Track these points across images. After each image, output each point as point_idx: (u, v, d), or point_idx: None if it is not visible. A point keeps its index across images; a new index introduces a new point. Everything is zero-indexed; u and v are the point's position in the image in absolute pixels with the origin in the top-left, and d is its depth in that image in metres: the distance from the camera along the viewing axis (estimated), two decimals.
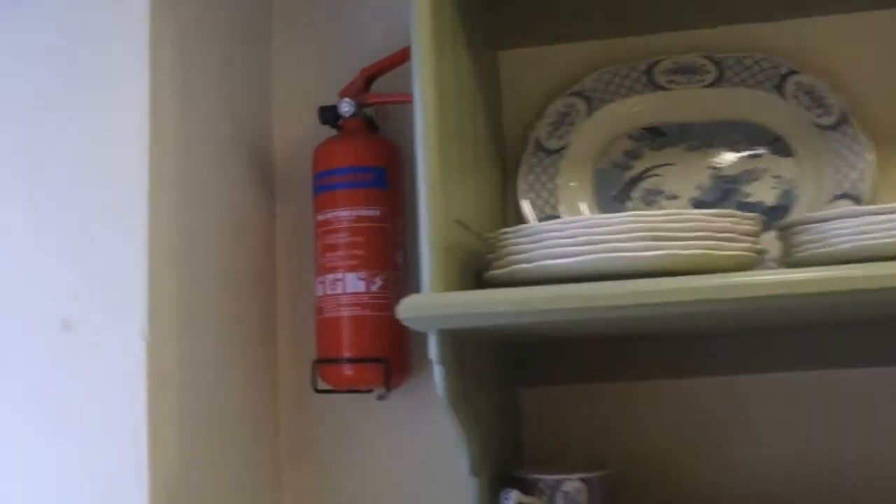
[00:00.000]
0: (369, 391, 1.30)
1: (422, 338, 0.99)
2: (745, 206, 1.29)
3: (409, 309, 0.96)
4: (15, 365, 1.08)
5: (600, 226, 1.00)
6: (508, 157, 1.38)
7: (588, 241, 1.00)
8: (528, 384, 1.33)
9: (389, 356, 1.27)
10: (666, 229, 0.99)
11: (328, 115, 1.36)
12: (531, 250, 1.03)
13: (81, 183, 1.10)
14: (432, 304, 0.97)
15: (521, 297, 0.97)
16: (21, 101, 1.13)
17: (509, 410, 1.28)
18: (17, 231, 1.11)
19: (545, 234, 1.03)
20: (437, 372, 0.99)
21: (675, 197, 1.35)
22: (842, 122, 1.30)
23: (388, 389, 1.28)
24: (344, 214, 1.30)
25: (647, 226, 0.99)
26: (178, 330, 1.13)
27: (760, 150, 1.34)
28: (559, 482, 1.13)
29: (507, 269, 1.01)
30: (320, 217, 1.32)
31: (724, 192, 1.33)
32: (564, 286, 0.96)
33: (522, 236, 1.05)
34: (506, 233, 1.07)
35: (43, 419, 1.06)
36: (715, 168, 1.35)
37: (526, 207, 1.34)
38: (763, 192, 1.33)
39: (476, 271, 1.07)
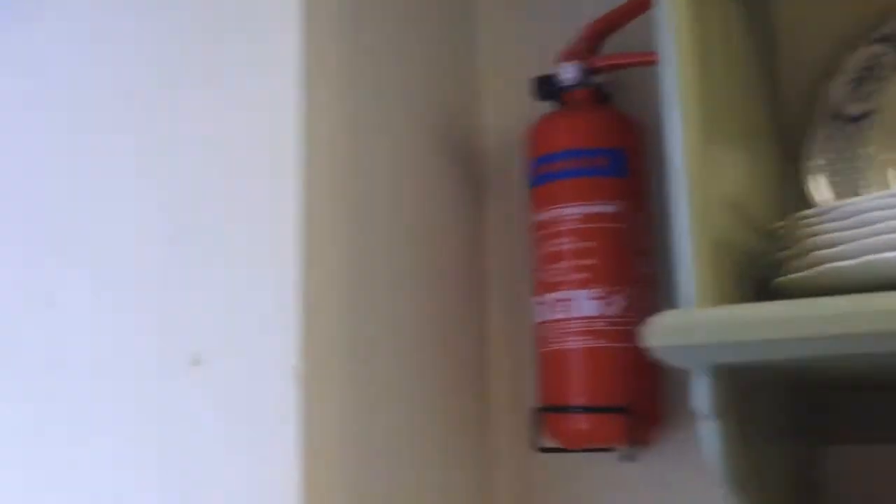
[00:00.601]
0: (610, 450, 1.08)
1: (681, 376, 0.80)
2: None
3: (663, 333, 0.74)
4: (136, 409, 0.94)
5: None
6: (789, 125, 1.11)
7: None
8: (833, 440, 1.06)
9: (636, 402, 1.05)
10: None
11: (546, 86, 1.14)
12: (853, 238, 0.74)
13: (216, 183, 0.95)
14: (700, 323, 0.74)
15: (856, 309, 0.62)
16: (146, 94, 1.01)
17: (806, 476, 1.03)
18: (136, 244, 0.97)
19: (877, 214, 0.73)
20: (707, 428, 0.77)
21: None
22: None
23: (636, 448, 1.07)
24: (570, 212, 1.08)
25: None
26: (344, 367, 0.94)
27: None
28: None
29: (814, 269, 0.76)
30: (538, 217, 1.11)
31: None
32: None
33: (837, 219, 0.77)
34: (809, 216, 0.80)
35: (172, 476, 0.91)
36: None
37: (820, 187, 0.98)
38: None
39: (756, 278, 0.86)
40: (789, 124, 1.11)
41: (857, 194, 1.02)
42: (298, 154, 0.91)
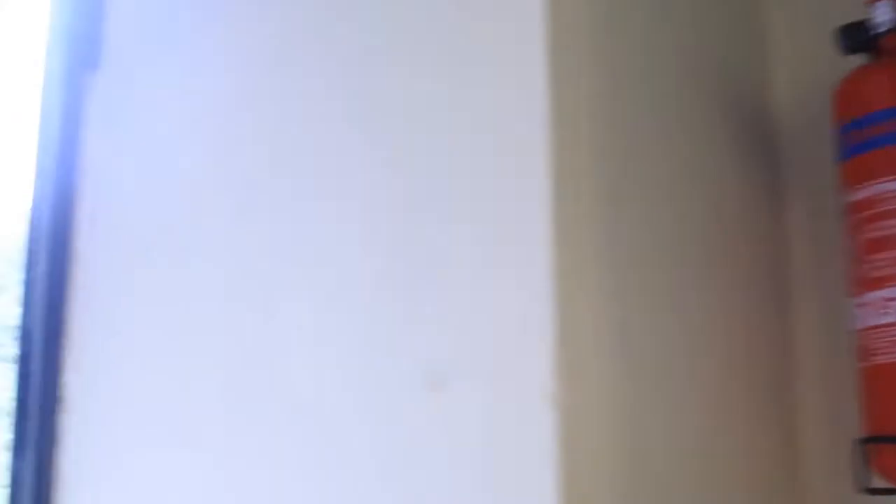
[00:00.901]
0: None
1: None
2: None
3: None
4: (364, 439, 0.86)
5: None
6: None
7: None
8: None
9: None
10: None
11: (855, 35, 1.00)
12: None
13: (452, 179, 0.85)
14: None
15: None
16: (371, 90, 0.92)
17: None
18: (363, 251, 0.89)
19: None
20: None
21: None
22: None
23: None
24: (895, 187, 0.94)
25: None
26: (611, 393, 0.83)
27: None
28: None
29: None
30: (854, 196, 0.98)
31: None
32: None
33: None
34: None
35: None
36: None
37: None
38: None
39: None
40: None
41: None
42: (546, 135, 0.79)
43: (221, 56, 1.03)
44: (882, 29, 0.98)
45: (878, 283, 0.94)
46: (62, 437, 1.04)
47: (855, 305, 0.97)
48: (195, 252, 1.00)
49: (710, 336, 0.98)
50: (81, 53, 1.11)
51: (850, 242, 0.98)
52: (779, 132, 1.16)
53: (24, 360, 1.06)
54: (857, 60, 1.01)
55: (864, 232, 0.96)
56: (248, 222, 0.96)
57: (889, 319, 0.93)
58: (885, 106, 0.95)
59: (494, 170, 0.81)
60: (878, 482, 0.95)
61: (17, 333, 1.07)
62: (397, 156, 0.88)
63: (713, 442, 0.95)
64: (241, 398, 0.93)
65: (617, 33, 0.91)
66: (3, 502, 1.05)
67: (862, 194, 0.96)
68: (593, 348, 0.81)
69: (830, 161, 1.03)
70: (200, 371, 0.97)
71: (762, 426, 1.05)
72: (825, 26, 1.04)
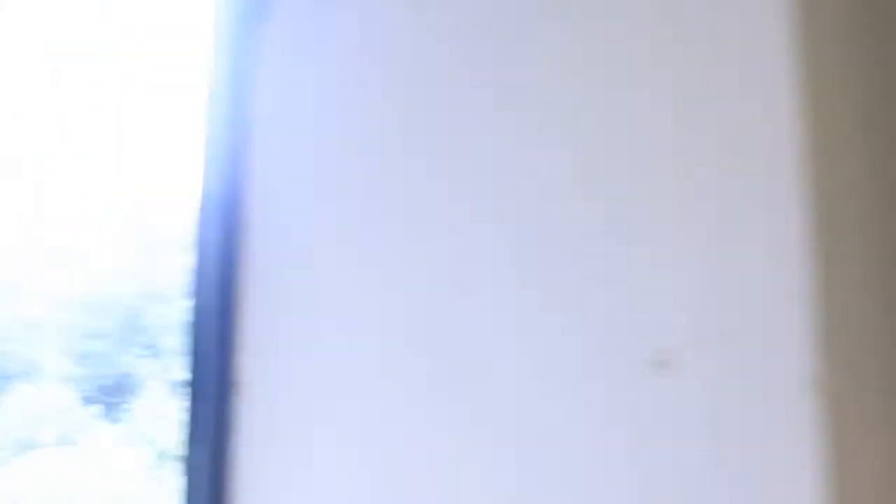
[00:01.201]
0: None
1: None
2: None
3: None
4: (580, 419, 0.77)
5: None
6: None
7: None
8: None
9: None
10: None
11: None
12: None
13: (687, 141, 0.77)
14: None
15: None
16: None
17: None
18: (569, 208, 0.81)
19: None
20: None
21: None
22: None
23: None
24: None
25: None
26: (879, 375, 0.70)
27: None
28: None
29: None
30: None
31: None
32: None
33: None
34: None
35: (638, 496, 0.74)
36: None
37: None
38: None
39: None
40: None
41: None
42: (791, 118, 0.70)
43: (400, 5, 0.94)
44: None
45: None
46: (237, 421, 0.99)
47: None
48: (379, 223, 0.91)
49: None
50: (252, 3, 1.04)
51: None
52: None
53: (196, 342, 1.00)
54: None
55: None
56: (441, 189, 0.88)
57: None
58: None
59: (741, 129, 0.71)
60: None
61: (188, 314, 1.02)
62: (631, 114, 0.78)
63: None
64: (432, 384, 0.86)
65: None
66: (181, 488, 1.01)
67: None
68: (861, 326, 0.70)
69: None
70: (386, 356, 0.88)
71: None
72: None
